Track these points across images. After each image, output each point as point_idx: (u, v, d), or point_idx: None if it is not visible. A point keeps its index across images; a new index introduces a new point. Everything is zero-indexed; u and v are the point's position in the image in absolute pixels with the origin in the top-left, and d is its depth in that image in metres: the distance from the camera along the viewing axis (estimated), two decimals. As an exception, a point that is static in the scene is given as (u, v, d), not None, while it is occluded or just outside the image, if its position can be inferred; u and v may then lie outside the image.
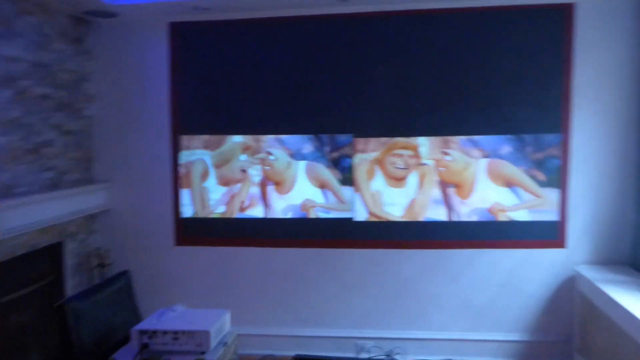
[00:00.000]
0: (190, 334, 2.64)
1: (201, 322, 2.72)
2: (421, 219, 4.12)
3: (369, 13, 4.06)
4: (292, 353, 4.23)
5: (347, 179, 4.17)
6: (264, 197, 4.27)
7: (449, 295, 4.15)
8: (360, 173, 4.16)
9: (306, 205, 4.22)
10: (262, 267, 4.33)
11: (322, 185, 4.20)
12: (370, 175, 4.15)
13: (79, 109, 4.28)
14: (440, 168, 4.08)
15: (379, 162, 4.14)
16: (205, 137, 4.31)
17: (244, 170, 4.27)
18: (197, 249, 4.38)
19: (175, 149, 4.34)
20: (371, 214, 4.16)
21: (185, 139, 4.33)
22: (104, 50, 4.39)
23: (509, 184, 4.03)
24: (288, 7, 4.08)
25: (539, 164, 3.99)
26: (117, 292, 2.96)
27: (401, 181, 4.13)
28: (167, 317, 2.82)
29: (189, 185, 4.35)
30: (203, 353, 2.63)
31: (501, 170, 4.03)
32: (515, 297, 4.08)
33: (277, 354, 4.23)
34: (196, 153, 4.33)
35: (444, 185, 4.09)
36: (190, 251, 4.39)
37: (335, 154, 4.18)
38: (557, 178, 3.97)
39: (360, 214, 4.18)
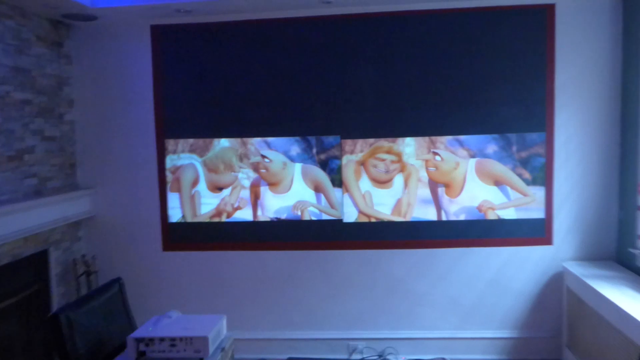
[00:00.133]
0: (188, 340, 2.61)
1: (198, 328, 2.69)
2: (408, 218, 4.15)
3: (353, 15, 4.06)
4: (285, 356, 4.25)
5: (336, 180, 4.18)
6: (256, 199, 4.24)
7: (438, 294, 4.18)
8: (348, 174, 4.17)
9: (297, 206, 4.21)
10: (253, 271, 4.31)
11: (317, 188, 4.20)
12: (358, 175, 4.16)
13: (60, 114, 4.20)
14: (431, 168, 4.11)
15: (363, 164, 4.15)
16: (191, 141, 4.27)
17: (234, 174, 4.24)
18: (186, 254, 4.34)
19: (161, 153, 4.29)
20: (362, 213, 4.17)
21: (171, 143, 4.28)
22: (84, 54, 4.32)
23: (498, 182, 4.08)
24: (272, 9, 4.06)
25: (524, 163, 4.04)
26: (110, 299, 2.91)
27: (386, 183, 4.15)
28: (163, 323, 2.78)
29: (177, 190, 4.30)
30: (202, 359, 2.60)
31: (490, 169, 4.08)
32: (503, 294, 4.14)
33: (269, 357, 4.22)
34: (183, 157, 4.28)
35: (433, 185, 4.12)
36: (179, 256, 4.35)
37: (322, 156, 4.18)
38: (542, 176, 4.03)
39: (350, 215, 4.19)
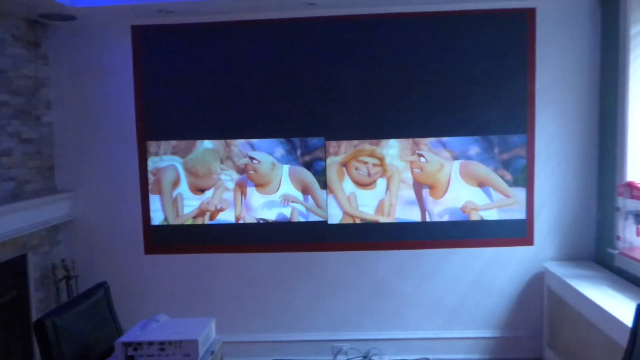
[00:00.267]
0: (178, 344, 2.57)
1: (188, 332, 2.65)
2: (392, 218, 4.17)
3: (337, 17, 4.06)
4: (270, 358, 4.25)
5: (321, 182, 4.18)
6: (242, 197, 4.22)
7: (423, 295, 4.22)
8: (331, 175, 4.17)
9: (286, 197, 4.19)
10: (237, 274, 4.28)
11: (304, 189, 4.20)
12: (341, 177, 4.16)
13: (38, 115, 4.11)
14: (416, 170, 4.14)
15: (345, 165, 4.16)
16: (173, 143, 4.22)
17: (217, 176, 4.21)
18: (169, 257, 4.29)
19: (143, 155, 4.23)
20: (347, 214, 4.18)
21: (153, 145, 4.23)
22: (62, 54, 4.23)
23: (481, 184, 4.13)
24: (256, 10, 4.03)
25: (506, 164, 4.10)
26: (96, 304, 2.86)
27: (369, 185, 4.17)
28: (151, 327, 2.74)
29: (159, 192, 4.25)
30: (191, 363, 2.58)
31: (474, 171, 4.13)
32: (486, 294, 4.19)
33: (254, 359, 4.22)
34: (165, 159, 4.24)
35: (417, 186, 4.15)
36: (162, 260, 4.30)
37: (307, 157, 4.17)
38: (523, 177, 4.10)
39: (335, 217, 4.20)
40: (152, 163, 4.24)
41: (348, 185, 4.18)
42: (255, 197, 4.22)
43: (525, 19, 4.02)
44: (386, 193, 4.17)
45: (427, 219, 4.16)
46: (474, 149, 4.10)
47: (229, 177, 4.21)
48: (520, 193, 4.11)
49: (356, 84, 4.11)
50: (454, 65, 4.07)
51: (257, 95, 4.16)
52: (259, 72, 4.14)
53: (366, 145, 4.15)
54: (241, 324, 4.27)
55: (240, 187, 4.22)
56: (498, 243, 4.14)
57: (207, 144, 4.21)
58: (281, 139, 4.17)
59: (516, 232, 4.13)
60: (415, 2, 3.94)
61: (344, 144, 4.15)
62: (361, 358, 4.17)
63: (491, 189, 4.12)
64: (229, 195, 4.22)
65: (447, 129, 4.11)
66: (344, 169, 4.17)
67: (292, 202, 4.17)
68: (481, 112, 4.08)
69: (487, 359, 4.21)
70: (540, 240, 4.13)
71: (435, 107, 4.10)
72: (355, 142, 4.14)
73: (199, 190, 4.24)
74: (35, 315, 3.93)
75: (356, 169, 4.15)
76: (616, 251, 3.66)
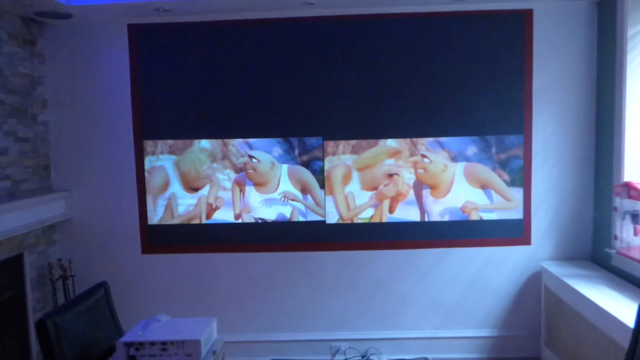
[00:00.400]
0: (180, 343, 2.56)
1: (190, 331, 2.64)
2: (386, 219, 4.19)
3: (335, 16, 4.06)
4: (268, 358, 4.24)
5: (320, 181, 4.18)
6: (240, 195, 4.21)
7: (420, 294, 4.23)
8: (335, 177, 4.17)
9: (286, 195, 4.19)
10: (234, 273, 4.28)
11: (304, 189, 4.19)
12: (346, 180, 4.16)
13: (34, 114, 4.07)
14: (420, 170, 4.15)
15: (359, 170, 4.16)
16: (170, 142, 4.20)
17: (208, 174, 4.20)
18: (166, 257, 4.28)
19: (140, 154, 4.21)
20: (344, 220, 4.19)
21: (150, 144, 4.21)
22: (58, 53, 4.20)
23: (484, 186, 4.14)
24: (253, 9, 4.02)
25: (503, 164, 4.12)
26: (96, 304, 2.85)
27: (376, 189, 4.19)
28: (152, 327, 2.72)
29: (151, 191, 4.24)
30: (193, 363, 2.57)
31: (478, 173, 4.14)
32: (483, 293, 4.21)
33: (252, 359, 4.21)
34: (162, 158, 4.22)
35: (418, 186, 4.16)
36: (159, 259, 4.28)
37: (305, 157, 4.17)
38: (521, 178, 4.12)
39: (333, 217, 4.20)
40: (149, 162, 4.22)
41: (351, 187, 4.18)
42: (253, 195, 4.20)
43: (522, 20, 4.04)
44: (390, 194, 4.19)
45: (426, 219, 4.17)
46: (472, 149, 4.11)
47: (226, 177, 4.20)
48: (517, 193, 4.12)
49: (354, 83, 4.11)
50: (452, 66, 4.07)
51: (255, 95, 4.15)
52: (257, 71, 4.13)
53: (385, 146, 4.14)
54: (239, 323, 4.26)
55: (239, 185, 4.20)
56: (495, 243, 4.16)
57: (205, 143, 4.20)
58: (279, 139, 4.16)
59: (513, 232, 4.14)
60: (413, 2, 3.94)
61: (342, 144, 4.15)
62: (359, 357, 4.17)
63: (492, 192, 4.14)
64: (225, 194, 4.21)
65: (445, 129, 4.12)
66: (356, 173, 4.16)
67: (292, 200, 4.17)
68: (479, 112, 4.09)
69: (485, 358, 4.23)
70: (537, 240, 4.15)
71: (433, 107, 4.11)
72: (353, 142, 4.14)
73: (192, 188, 4.22)
74: (31, 315, 3.91)
75: (385, 185, 4.15)
76: (613, 251, 3.69)
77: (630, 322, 2.79)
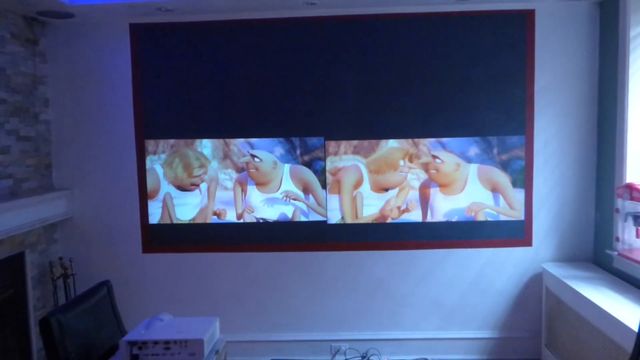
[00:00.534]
0: (183, 343, 2.56)
1: (193, 331, 2.64)
2: (390, 220, 4.18)
3: (337, 17, 4.06)
4: (268, 358, 4.24)
5: (321, 182, 4.18)
6: (242, 195, 4.21)
7: (421, 295, 4.22)
8: (347, 179, 4.16)
9: (288, 194, 4.19)
10: (234, 273, 4.28)
11: (305, 189, 4.19)
12: (359, 184, 4.17)
13: (36, 113, 4.09)
14: (432, 171, 4.14)
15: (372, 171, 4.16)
16: (172, 142, 4.21)
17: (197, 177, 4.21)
18: (167, 256, 4.28)
19: (141, 153, 4.21)
20: (345, 217, 4.19)
21: (151, 144, 4.21)
22: (60, 52, 4.21)
23: (494, 189, 4.13)
24: (256, 9, 4.02)
25: (505, 165, 4.10)
26: (99, 303, 2.85)
27: (386, 190, 4.18)
28: (155, 326, 2.72)
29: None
30: (197, 362, 2.57)
31: (491, 176, 4.13)
32: (484, 295, 4.20)
33: (252, 359, 4.21)
34: (163, 157, 4.22)
35: (423, 187, 4.14)
36: (159, 258, 4.28)
37: (306, 157, 4.17)
38: (522, 179, 4.10)
39: (335, 217, 4.19)
40: (150, 162, 4.23)
41: (364, 188, 4.18)
42: (255, 195, 4.20)
43: (524, 21, 4.02)
44: (397, 196, 4.17)
45: (429, 217, 4.16)
46: (473, 150, 4.10)
47: (227, 177, 4.20)
48: (518, 194, 4.11)
49: (356, 84, 4.11)
50: (454, 66, 4.07)
51: (256, 95, 4.15)
52: (259, 71, 4.13)
53: (402, 147, 4.14)
54: (239, 323, 4.26)
55: (241, 184, 4.20)
56: (496, 244, 4.15)
57: (207, 143, 4.20)
58: (280, 139, 4.16)
59: (515, 233, 4.13)
60: (415, 2, 3.94)
61: (344, 144, 4.15)
62: (360, 358, 4.17)
63: (500, 197, 4.13)
64: (227, 194, 4.21)
65: (447, 129, 4.11)
66: (368, 174, 4.16)
67: (294, 199, 4.16)
68: (480, 113, 4.08)
69: (485, 359, 4.22)
70: (538, 241, 4.13)
71: (435, 107, 4.10)
72: (355, 142, 4.14)
73: (180, 188, 4.23)
74: (32, 314, 3.92)
75: (401, 171, 4.15)
76: (615, 253, 3.67)
77: (633, 325, 2.79)
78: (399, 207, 4.16)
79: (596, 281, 3.61)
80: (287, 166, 4.18)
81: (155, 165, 4.23)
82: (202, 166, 4.21)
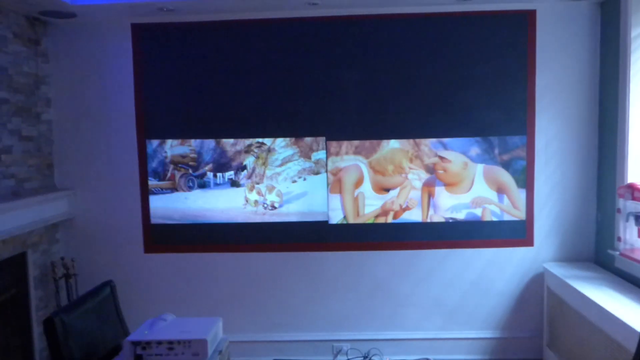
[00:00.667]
0: (187, 343, 2.57)
1: (196, 331, 2.65)
2: (392, 220, 4.18)
3: (339, 17, 4.06)
4: (270, 358, 4.23)
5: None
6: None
7: (422, 295, 4.23)
8: (348, 178, 4.17)
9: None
10: (236, 273, 4.28)
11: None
12: (359, 183, 4.17)
13: (38, 113, 4.09)
14: (440, 171, 4.14)
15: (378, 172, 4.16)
16: (174, 142, 4.22)
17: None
18: (168, 256, 4.28)
19: (143, 153, 4.22)
20: (347, 216, 4.19)
21: (153, 144, 4.22)
22: (62, 52, 4.21)
23: (500, 190, 4.13)
24: (257, 9, 4.03)
25: (506, 165, 4.11)
26: (102, 302, 2.86)
27: (387, 191, 4.18)
28: (158, 326, 2.73)
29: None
30: (200, 362, 2.57)
31: (497, 177, 4.13)
32: (486, 295, 4.20)
33: (254, 359, 4.21)
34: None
35: (425, 186, 4.15)
36: (161, 258, 4.28)
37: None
38: (523, 178, 4.11)
39: (336, 217, 4.20)
40: (152, 162, 4.24)
41: (365, 188, 4.18)
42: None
43: (525, 21, 4.03)
44: (398, 196, 4.17)
45: (433, 214, 4.16)
46: (475, 150, 4.11)
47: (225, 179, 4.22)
48: (520, 194, 4.12)
49: (358, 84, 4.11)
50: (455, 66, 4.07)
51: (257, 95, 4.15)
52: (260, 71, 4.14)
53: (403, 148, 4.14)
54: (241, 323, 4.26)
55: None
56: (498, 244, 4.15)
57: (209, 143, 4.21)
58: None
59: (516, 233, 4.14)
60: (416, 3, 3.94)
61: (345, 144, 4.15)
62: (361, 358, 4.17)
63: (505, 197, 4.13)
64: (227, 194, 4.22)
65: (448, 129, 4.11)
66: (371, 174, 4.16)
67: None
68: (481, 113, 4.09)
69: (487, 359, 4.22)
70: (540, 241, 4.14)
71: (436, 108, 4.10)
72: (356, 142, 4.14)
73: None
74: (34, 313, 3.92)
75: (397, 196, 4.16)
76: (617, 252, 3.67)
77: (635, 325, 2.80)
78: (400, 205, 4.17)
79: (598, 281, 3.61)
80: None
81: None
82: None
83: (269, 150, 4.18)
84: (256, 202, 4.21)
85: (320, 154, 4.16)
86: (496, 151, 4.10)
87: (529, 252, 4.15)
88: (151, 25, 4.14)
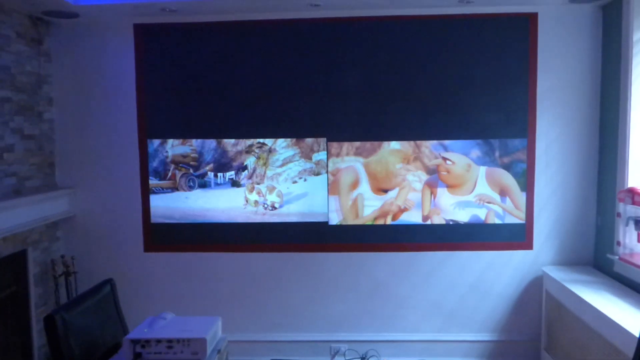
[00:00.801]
0: (186, 341, 2.57)
1: (195, 330, 2.65)
2: (390, 221, 4.18)
3: (341, 18, 4.07)
4: (268, 358, 4.24)
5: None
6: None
7: (421, 297, 4.23)
8: (344, 180, 4.17)
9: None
10: (235, 273, 4.29)
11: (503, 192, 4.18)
12: (355, 185, 4.17)
13: (40, 112, 4.12)
14: (443, 172, 4.15)
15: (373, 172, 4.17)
16: (175, 142, 4.23)
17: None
18: (168, 255, 4.30)
19: (144, 153, 4.24)
20: (346, 218, 4.20)
21: (154, 143, 4.24)
22: (64, 52, 4.24)
23: (503, 192, 4.13)
24: (260, 10, 4.04)
25: (507, 168, 4.11)
26: (103, 301, 2.87)
27: (385, 192, 4.18)
28: (158, 325, 2.73)
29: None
30: (199, 361, 2.58)
31: (499, 179, 4.13)
32: (484, 297, 4.20)
33: (252, 359, 4.22)
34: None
35: (426, 188, 4.15)
36: (161, 257, 4.30)
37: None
38: (524, 181, 4.10)
39: (335, 218, 4.20)
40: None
41: (361, 189, 4.18)
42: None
43: (527, 24, 4.02)
44: (397, 197, 4.17)
45: (432, 218, 4.16)
46: (475, 152, 4.10)
47: (226, 179, 4.23)
48: (523, 197, 4.11)
49: (359, 85, 4.12)
50: (456, 69, 4.07)
51: (259, 96, 4.16)
52: (262, 72, 4.15)
53: (403, 148, 4.15)
54: (240, 322, 4.27)
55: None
56: (497, 247, 4.15)
57: (210, 143, 4.22)
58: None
59: (515, 236, 4.13)
60: (418, 5, 3.95)
61: (346, 145, 4.15)
62: (359, 359, 4.18)
63: (508, 199, 4.13)
64: (227, 194, 4.23)
65: (449, 131, 4.11)
66: (368, 175, 4.17)
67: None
68: (482, 115, 4.08)
69: (485, 362, 4.23)
70: (539, 245, 4.13)
71: (437, 110, 4.10)
72: (357, 143, 4.14)
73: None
74: (34, 311, 3.95)
75: (396, 195, 4.16)
76: (616, 257, 3.66)
77: (633, 329, 2.79)
78: (399, 206, 4.17)
79: (597, 285, 3.60)
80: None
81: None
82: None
83: (270, 151, 4.20)
84: (256, 202, 4.23)
85: (321, 155, 4.17)
86: (497, 154, 4.10)
87: (528, 255, 4.14)
88: (153, 25, 4.16)
